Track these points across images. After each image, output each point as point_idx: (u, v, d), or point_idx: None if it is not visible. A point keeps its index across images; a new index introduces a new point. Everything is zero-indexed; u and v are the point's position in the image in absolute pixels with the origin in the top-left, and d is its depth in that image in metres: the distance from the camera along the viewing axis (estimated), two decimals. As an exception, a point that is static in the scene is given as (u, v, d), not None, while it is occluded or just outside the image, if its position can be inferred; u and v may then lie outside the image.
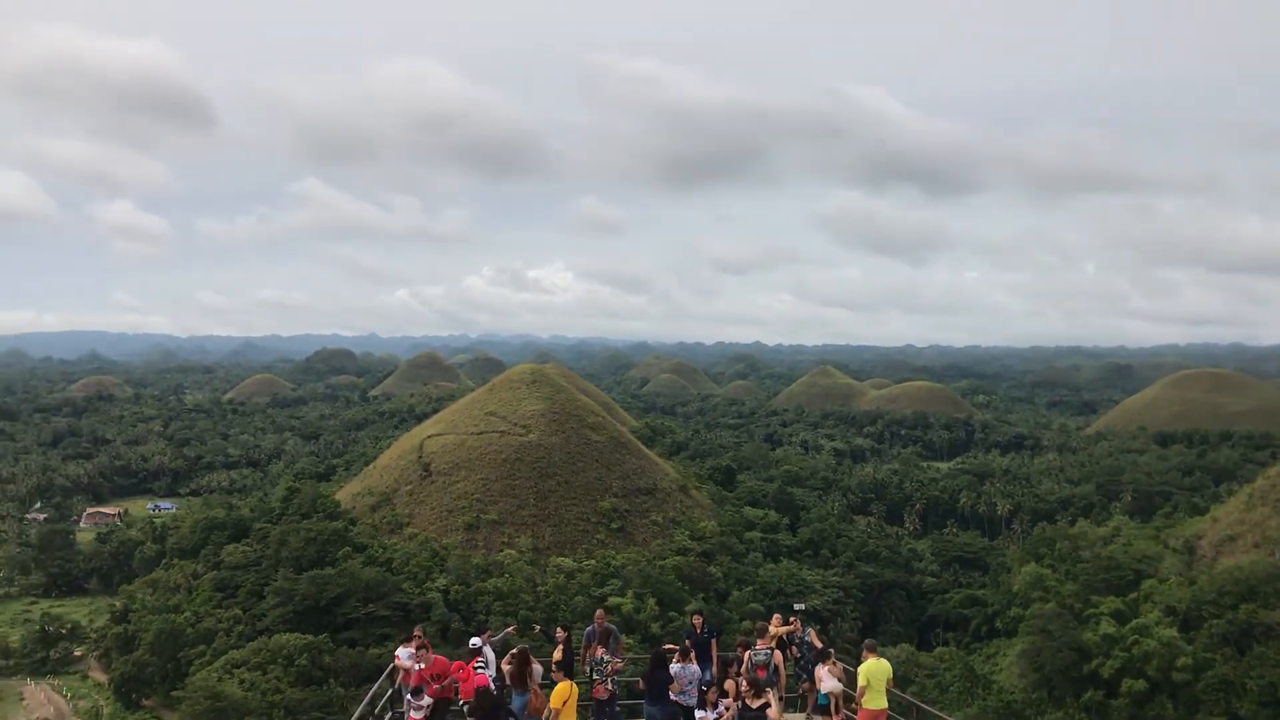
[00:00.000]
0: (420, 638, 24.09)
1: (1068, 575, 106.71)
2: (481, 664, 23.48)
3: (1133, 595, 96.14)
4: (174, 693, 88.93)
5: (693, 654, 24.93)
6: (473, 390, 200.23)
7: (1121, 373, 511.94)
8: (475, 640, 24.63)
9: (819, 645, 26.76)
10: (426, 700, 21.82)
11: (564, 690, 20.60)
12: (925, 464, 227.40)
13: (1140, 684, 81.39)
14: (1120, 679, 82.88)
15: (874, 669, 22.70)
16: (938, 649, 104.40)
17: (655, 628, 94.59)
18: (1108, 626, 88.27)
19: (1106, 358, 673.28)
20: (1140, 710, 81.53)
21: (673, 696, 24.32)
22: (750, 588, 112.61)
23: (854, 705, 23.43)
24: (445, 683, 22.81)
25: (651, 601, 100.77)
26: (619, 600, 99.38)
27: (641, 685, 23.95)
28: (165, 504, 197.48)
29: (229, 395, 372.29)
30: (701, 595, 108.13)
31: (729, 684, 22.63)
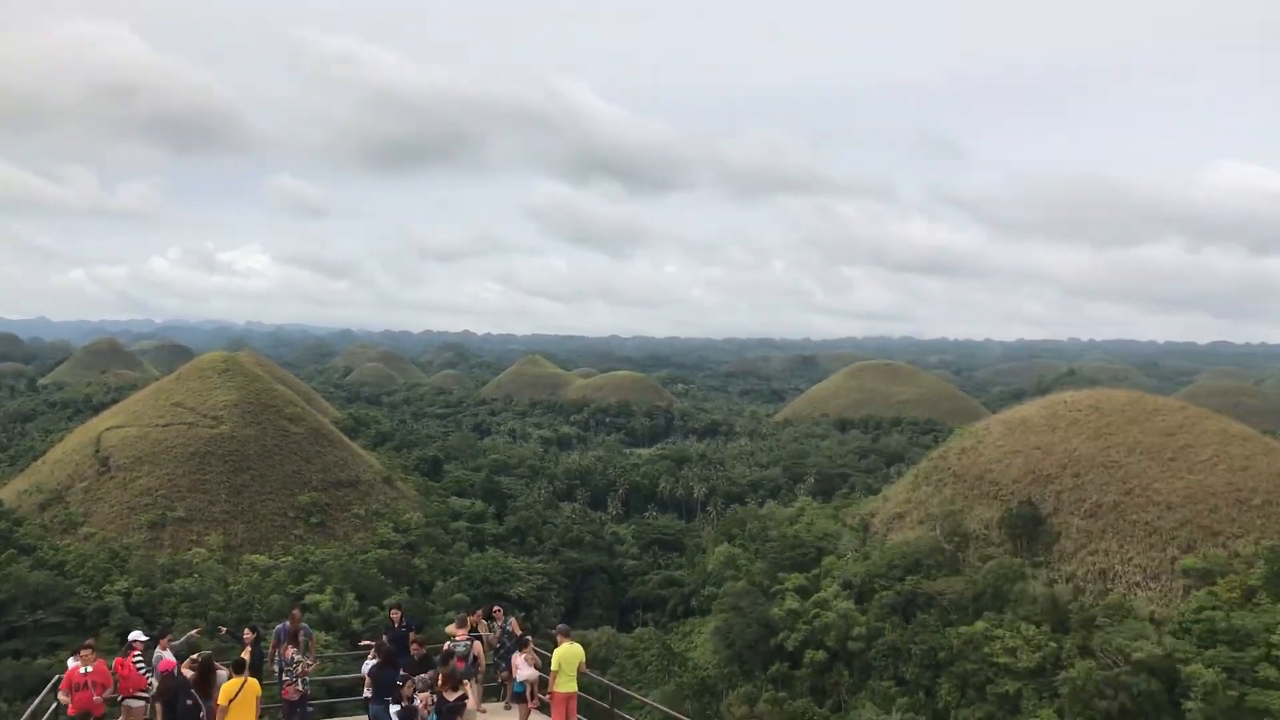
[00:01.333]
0: (90, 647, 22.53)
1: (757, 554, 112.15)
2: (139, 658, 22.48)
3: (815, 571, 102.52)
4: None
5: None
6: (158, 379, 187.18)
7: (806, 363, 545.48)
8: (136, 633, 23.51)
9: (519, 633, 27.14)
10: None
11: (231, 687, 19.64)
12: (628, 450, 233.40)
13: (820, 654, 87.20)
14: (803, 650, 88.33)
15: (566, 654, 23.25)
16: (637, 629, 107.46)
17: (356, 623, 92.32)
18: (792, 601, 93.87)
19: (793, 349, 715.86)
20: (821, 679, 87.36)
21: (367, 691, 23.91)
22: (455, 578, 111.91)
23: (549, 691, 23.92)
24: (105, 694, 21.53)
25: (351, 597, 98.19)
26: (317, 597, 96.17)
27: (368, 683, 23.53)
28: None
29: None
30: (406, 588, 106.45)
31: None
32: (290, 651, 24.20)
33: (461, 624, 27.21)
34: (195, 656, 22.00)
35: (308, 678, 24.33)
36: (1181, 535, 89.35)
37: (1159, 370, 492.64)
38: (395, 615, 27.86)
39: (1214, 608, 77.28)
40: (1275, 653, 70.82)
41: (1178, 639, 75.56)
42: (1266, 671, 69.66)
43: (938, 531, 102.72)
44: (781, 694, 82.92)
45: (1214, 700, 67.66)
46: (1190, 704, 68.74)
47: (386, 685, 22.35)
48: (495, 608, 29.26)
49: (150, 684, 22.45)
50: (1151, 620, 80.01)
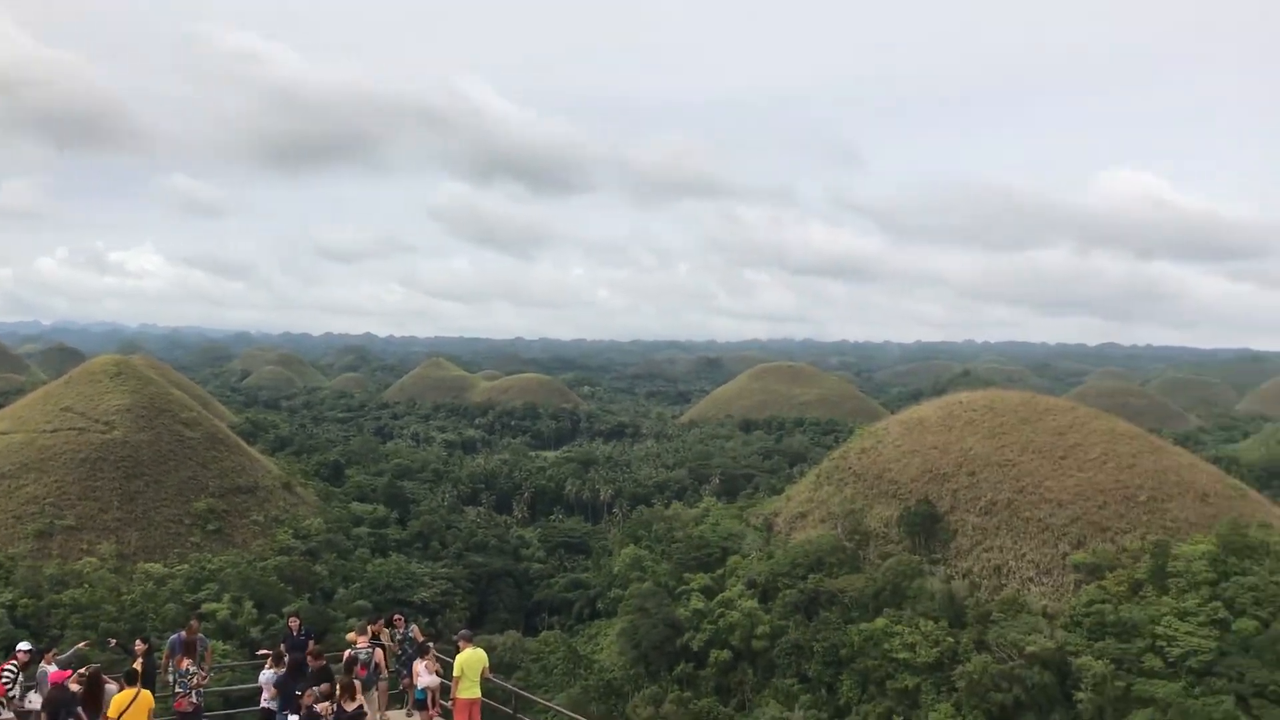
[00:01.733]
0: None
1: (663, 555, 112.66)
2: (10, 669, 22.05)
3: (720, 571, 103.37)
4: None
5: (286, 658, 24.36)
6: (45, 383, 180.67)
7: (711, 365, 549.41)
8: (23, 644, 22.95)
9: (420, 640, 26.94)
10: None
11: (122, 699, 19.15)
12: (534, 453, 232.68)
13: (725, 654, 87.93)
14: (709, 650, 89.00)
15: (469, 659, 23.11)
16: (543, 633, 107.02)
17: (256, 632, 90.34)
18: (697, 602, 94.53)
19: (698, 351, 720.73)
20: (726, 678, 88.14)
21: (264, 702, 23.49)
22: (357, 584, 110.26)
23: (451, 697, 23.75)
24: None
25: (249, 605, 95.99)
26: (215, 606, 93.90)
27: (274, 693, 23.05)
28: None
29: None
30: (307, 595, 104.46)
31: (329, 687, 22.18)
32: (185, 663, 23.63)
33: (362, 631, 26.95)
34: (83, 670, 21.42)
35: (202, 689, 23.80)
36: (1072, 531, 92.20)
37: (1050, 371, 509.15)
38: (294, 623, 27.38)
39: (1103, 601, 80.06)
40: (1160, 643, 73.72)
41: (1069, 632, 78.12)
42: (1152, 661, 72.49)
43: (839, 530, 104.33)
44: (687, 694, 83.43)
45: (1103, 690, 70.11)
46: (1081, 694, 71.14)
47: (291, 695, 22.04)
48: (396, 615, 29.07)
49: (11, 696, 21.96)
50: (1044, 614, 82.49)
